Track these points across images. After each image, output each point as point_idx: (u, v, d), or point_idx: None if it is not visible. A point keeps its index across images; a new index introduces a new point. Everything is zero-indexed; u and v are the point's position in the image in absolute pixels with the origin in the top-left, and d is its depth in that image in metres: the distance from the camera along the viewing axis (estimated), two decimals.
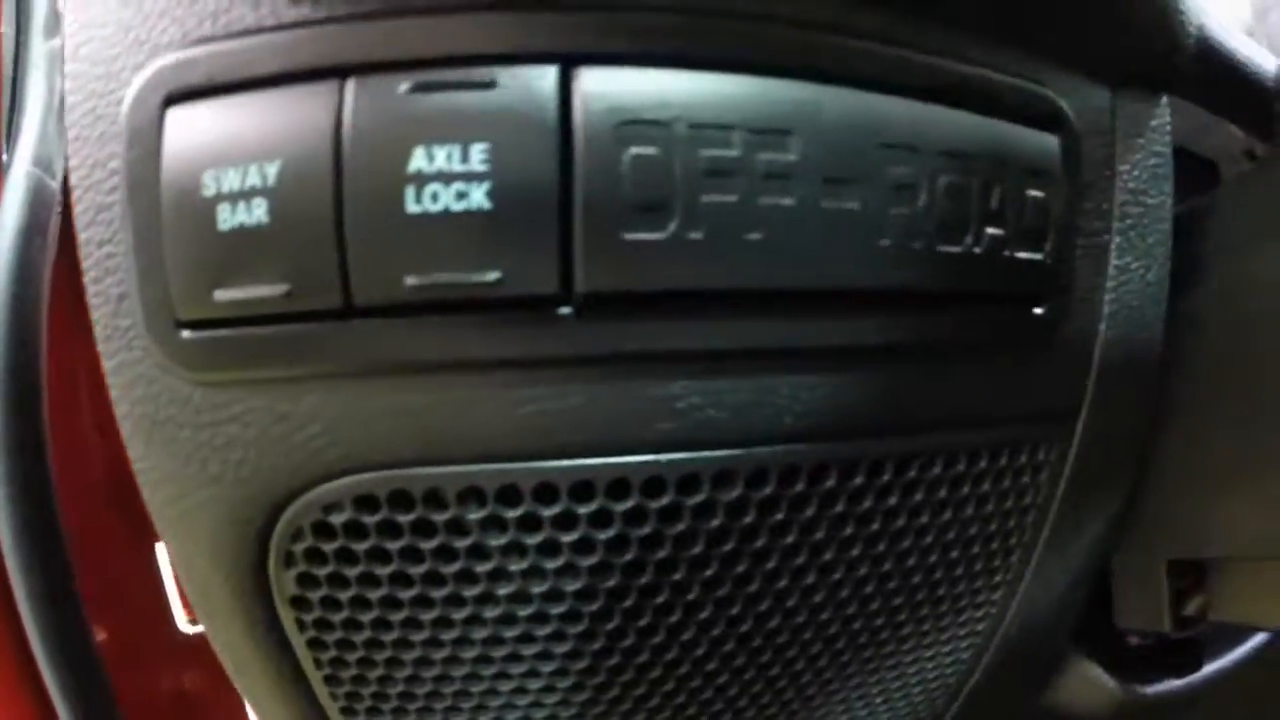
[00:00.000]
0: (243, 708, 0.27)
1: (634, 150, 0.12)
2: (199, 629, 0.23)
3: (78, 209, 0.13)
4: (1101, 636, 0.22)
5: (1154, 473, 0.20)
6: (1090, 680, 0.22)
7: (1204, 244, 0.20)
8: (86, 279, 0.13)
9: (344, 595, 0.14)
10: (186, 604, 0.25)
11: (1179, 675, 0.23)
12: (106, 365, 0.14)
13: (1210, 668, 0.24)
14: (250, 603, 0.14)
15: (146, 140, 0.12)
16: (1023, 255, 0.15)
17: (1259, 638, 0.26)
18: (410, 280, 0.12)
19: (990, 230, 0.14)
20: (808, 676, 0.17)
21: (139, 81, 0.13)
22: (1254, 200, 0.19)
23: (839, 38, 0.13)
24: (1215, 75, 0.20)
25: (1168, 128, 0.19)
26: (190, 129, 0.12)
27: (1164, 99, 0.19)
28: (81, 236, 0.13)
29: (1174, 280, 0.19)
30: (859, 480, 0.15)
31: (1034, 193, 0.15)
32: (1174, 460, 0.20)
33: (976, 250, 0.14)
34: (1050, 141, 0.15)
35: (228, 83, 0.12)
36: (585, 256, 0.12)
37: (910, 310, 0.14)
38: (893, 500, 0.15)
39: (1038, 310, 0.16)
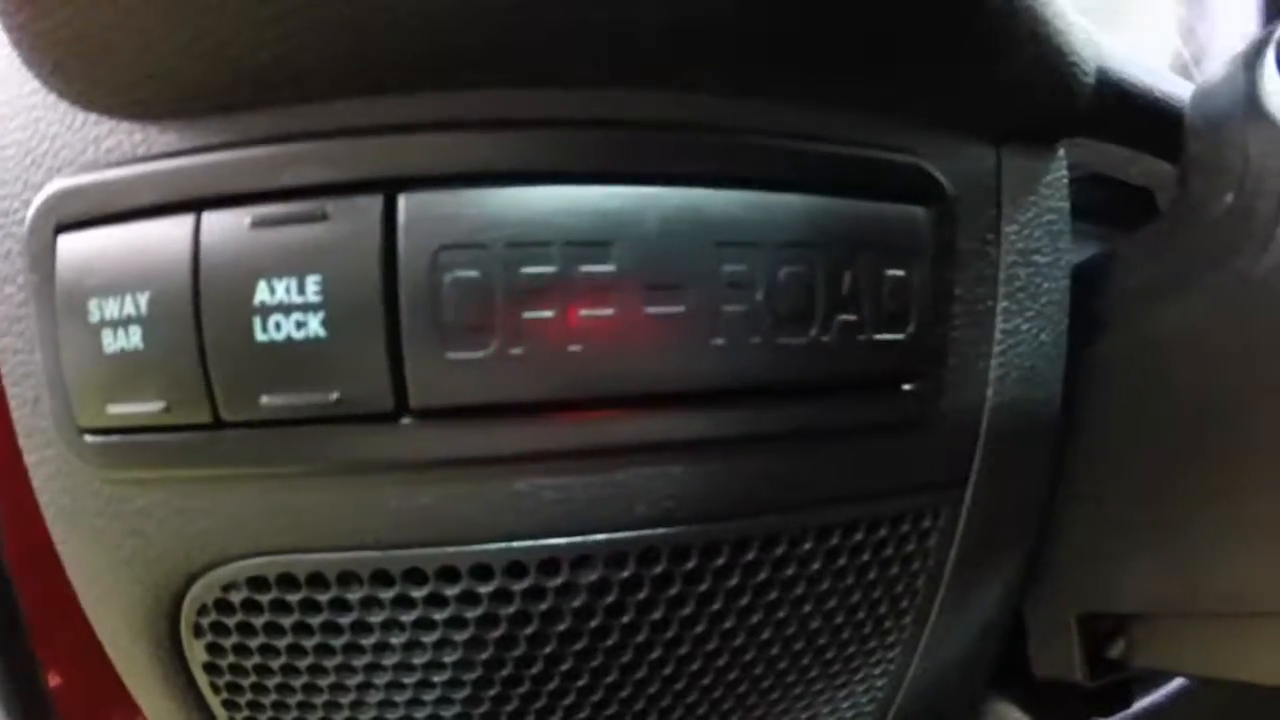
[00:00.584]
0: None
1: (453, 274, 0.12)
2: None
3: None
4: (1020, 680, 0.22)
5: (1062, 528, 0.20)
6: None
7: (1103, 299, 0.19)
8: (5, 381, 0.15)
9: (248, 663, 0.16)
10: None
11: (1106, 714, 0.23)
12: (28, 460, 0.15)
13: (1144, 702, 0.23)
14: (168, 669, 0.16)
15: (43, 265, 0.14)
16: (882, 337, 0.15)
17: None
18: (265, 400, 0.13)
19: (842, 317, 0.14)
20: None
21: (37, 203, 0.14)
22: (1150, 256, 0.19)
23: (665, 135, 0.14)
24: (1120, 113, 0.19)
25: (1064, 180, 0.18)
26: (77, 257, 0.14)
27: (1059, 151, 0.18)
28: (0, 342, 0.15)
29: (1074, 335, 0.19)
30: (722, 560, 0.15)
31: (893, 271, 0.15)
32: (1081, 517, 0.19)
33: (825, 339, 0.14)
34: (916, 214, 0.15)
35: (106, 214, 0.14)
36: (414, 377, 0.13)
37: (758, 403, 0.14)
38: (762, 575, 0.16)
39: (907, 387, 0.16)
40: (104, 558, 0.15)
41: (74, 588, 0.16)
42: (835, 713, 0.19)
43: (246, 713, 0.16)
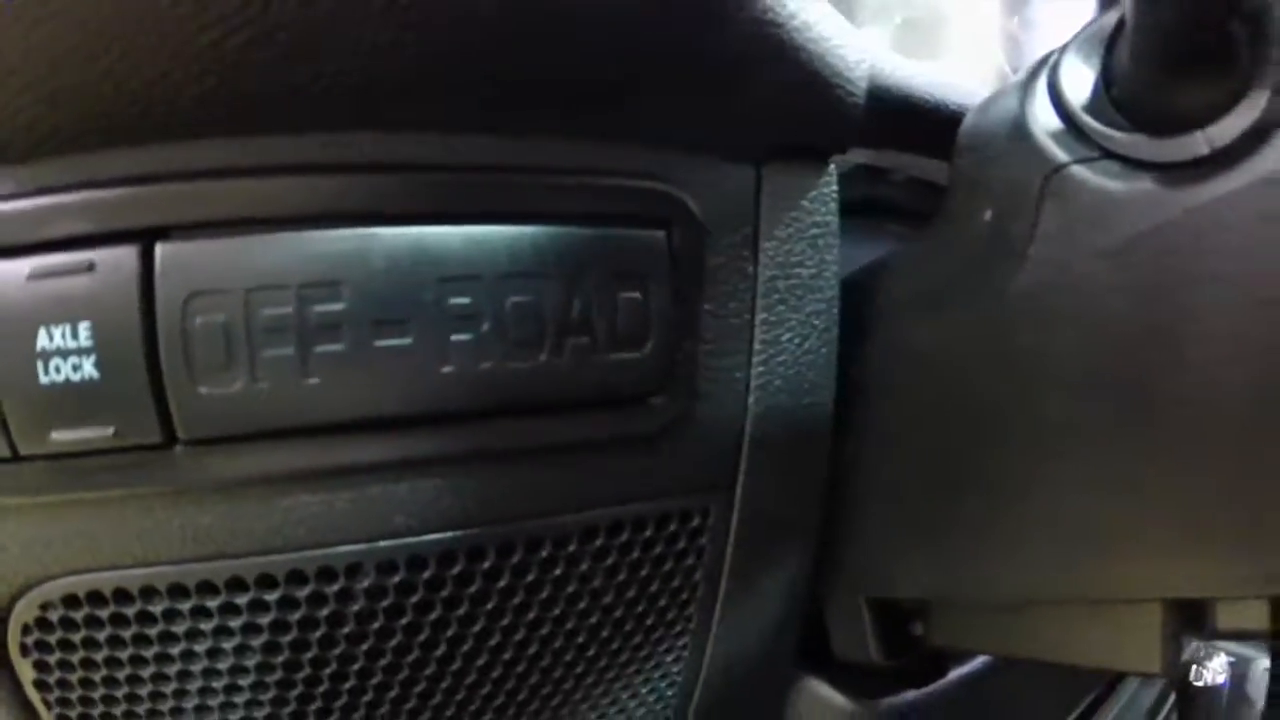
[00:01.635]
0: None
1: (202, 319, 0.14)
2: None
3: None
4: (829, 657, 0.23)
5: (852, 523, 0.21)
6: (821, 698, 0.23)
7: (872, 309, 0.21)
8: None
9: (72, 677, 0.17)
10: None
11: (919, 686, 0.24)
12: None
13: (957, 673, 0.25)
14: (4, 689, 0.18)
15: None
16: (619, 356, 0.17)
17: None
18: (55, 435, 0.15)
19: (574, 340, 0.16)
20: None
21: None
22: (915, 268, 0.21)
23: (386, 176, 0.15)
24: (901, 127, 0.21)
25: (832, 195, 0.20)
26: None
27: (829, 165, 0.20)
28: None
29: (847, 344, 0.20)
30: (489, 563, 0.17)
31: (629, 294, 0.17)
32: (870, 514, 0.21)
33: (558, 362, 0.16)
34: (654, 237, 0.17)
35: None
36: (178, 410, 0.15)
37: (493, 422, 0.16)
38: (531, 575, 0.17)
39: (654, 400, 0.17)
40: None
41: None
42: (636, 698, 0.20)
43: None
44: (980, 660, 0.25)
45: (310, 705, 0.18)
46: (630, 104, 0.16)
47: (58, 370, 0.15)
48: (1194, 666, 0.53)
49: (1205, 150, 0.15)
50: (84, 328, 0.14)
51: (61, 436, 0.15)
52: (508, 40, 0.14)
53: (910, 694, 0.24)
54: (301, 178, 0.15)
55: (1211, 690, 0.51)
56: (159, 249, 0.14)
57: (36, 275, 0.15)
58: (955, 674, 0.25)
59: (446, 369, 0.15)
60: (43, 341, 0.15)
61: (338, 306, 0.15)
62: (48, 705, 0.18)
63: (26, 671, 0.17)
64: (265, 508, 0.16)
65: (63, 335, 0.14)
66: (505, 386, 0.16)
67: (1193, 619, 0.18)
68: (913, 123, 0.21)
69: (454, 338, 0.15)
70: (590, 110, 0.16)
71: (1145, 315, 0.16)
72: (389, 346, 0.15)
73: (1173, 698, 0.54)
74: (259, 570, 0.16)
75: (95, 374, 0.14)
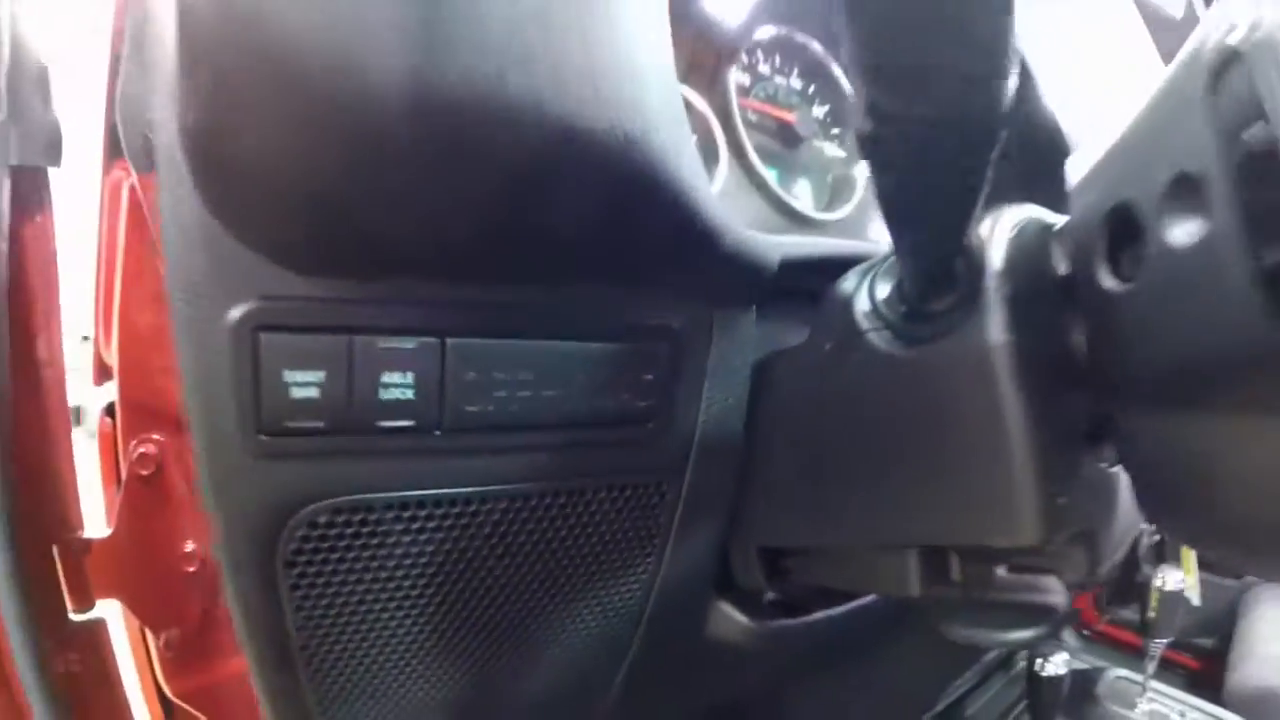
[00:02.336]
0: (120, 688, 0.40)
1: (470, 375, 0.32)
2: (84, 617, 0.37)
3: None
4: (736, 589, 0.42)
5: (751, 496, 0.41)
6: (728, 616, 0.42)
7: (769, 379, 0.39)
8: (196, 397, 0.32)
9: (324, 582, 0.32)
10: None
11: (792, 616, 0.43)
12: (200, 446, 0.31)
13: (825, 613, 0.44)
14: (265, 594, 0.32)
15: (245, 347, 0.30)
16: (637, 402, 0.35)
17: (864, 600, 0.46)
18: (382, 423, 0.31)
19: (618, 391, 0.34)
20: (520, 610, 0.36)
21: (237, 313, 0.30)
22: (793, 362, 0.39)
23: (512, 308, 0.33)
24: (799, 286, 0.39)
25: (752, 323, 0.38)
26: (273, 345, 0.30)
27: (752, 308, 0.38)
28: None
29: (753, 396, 0.39)
30: (549, 499, 0.34)
31: (645, 374, 0.35)
32: (762, 490, 0.40)
33: (606, 399, 0.34)
34: (662, 347, 0.36)
35: (290, 326, 0.30)
36: (450, 416, 0.31)
37: (567, 430, 0.34)
38: (569, 509, 0.35)
39: (649, 425, 0.36)
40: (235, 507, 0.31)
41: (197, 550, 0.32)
42: (618, 597, 0.38)
43: (317, 624, 0.32)
44: (845, 608, 0.44)
45: (463, 591, 0.34)
46: (646, 277, 0.35)
47: (389, 391, 0.31)
48: (1039, 659, 0.76)
49: (929, 333, 0.29)
50: (410, 374, 0.31)
51: (386, 424, 0.31)
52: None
53: (788, 620, 0.42)
54: (496, 311, 0.32)
55: (1055, 679, 0.73)
56: (449, 342, 0.31)
57: (385, 344, 0.31)
58: (823, 614, 0.44)
59: (544, 399, 0.33)
60: (384, 378, 0.31)
61: (519, 376, 0.32)
62: (298, 608, 0.32)
63: (288, 578, 0.32)
64: (471, 462, 0.32)
65: (397, 376, 0.31)
66: (573, 412, 0.34)
67: (938, 560, 0.34)
68: (806, 284, 0.38)
69: (545, 392, 0.33)
70: (621, 279, 0.34)
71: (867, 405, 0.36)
72: (521, 396, 0.32)
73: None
74: (461, 496, 0.33)
75: (411, 395, 0.31)
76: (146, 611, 0.38)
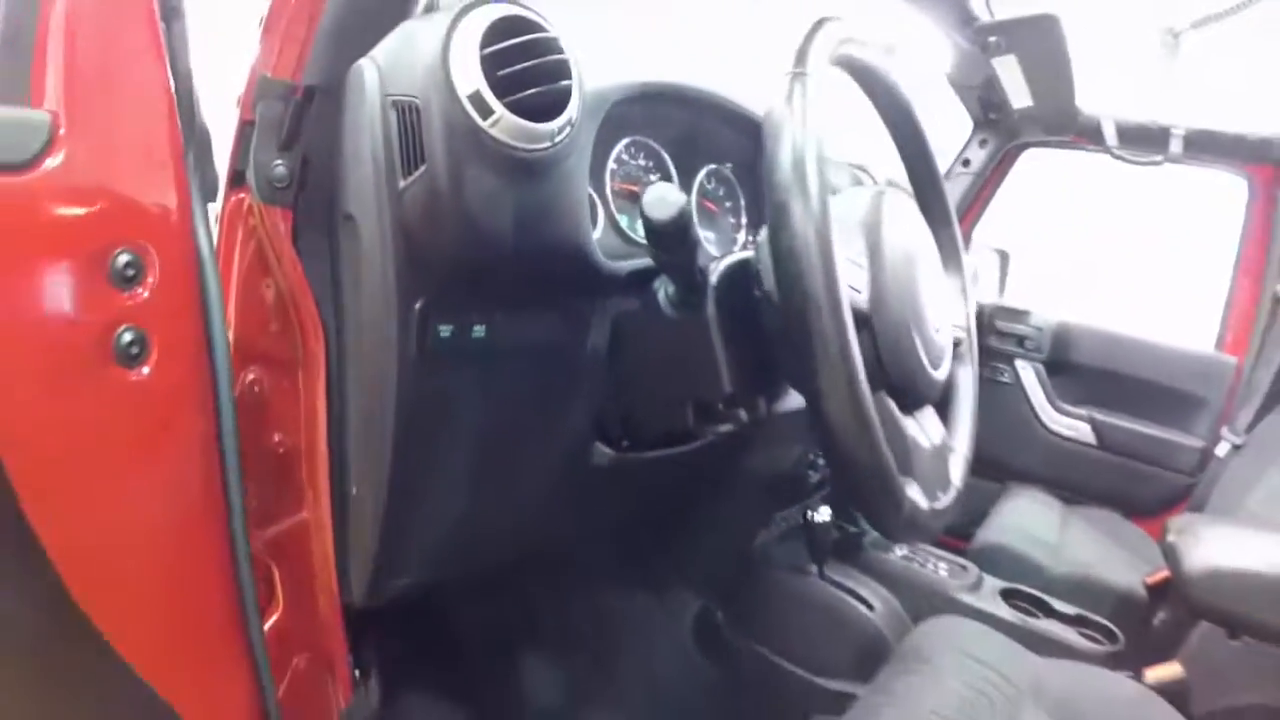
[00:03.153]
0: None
1: None
2: None
3: None
4: (606, 437, 0.70)
5: (614, 385, 0.68)
6: (602, 451, 0.69)
7: None
8: None
9: None
10: None
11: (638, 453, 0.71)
12: None
13: (655, 452, 0.72)
14: None
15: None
16: (569, 338, 0.61)
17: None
18: None
19: (563, 337, 0.61)
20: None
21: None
22: None
23: None
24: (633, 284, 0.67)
25: (614, 303, 0.67)
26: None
27: (614, 296, 0.66)
28: None
29: (611, 337, 0.67)
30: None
31: (578, 334, 0.62)
32: (617, 382, 0.68)
33: (559, 339, 0.60)
34: (582, 322, 0.63)
35: None
36: None
37: None
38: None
39: (587, 348, 0.62)
40: None
41: None
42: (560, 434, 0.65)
43: None
44: (670, 451, 0.72)
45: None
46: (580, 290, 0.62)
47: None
48: (810, 511, 1.10)
49: (687, 310, 0.64)
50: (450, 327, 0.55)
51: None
52: None
53: (635, 454, 0.70)
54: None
55: (822, 525, 1.06)
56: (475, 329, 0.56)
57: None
58: (655, 452, 0.72)
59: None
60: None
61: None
62: None
63: None
64: None
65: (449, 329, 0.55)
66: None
67: (709, 410, 0.66)
68: (639, 280, 0.68)
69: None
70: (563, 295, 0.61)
71: None
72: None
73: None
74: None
75: (450, 334, 0.55)
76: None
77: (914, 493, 0.57)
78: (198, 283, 0.40)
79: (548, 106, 0.50)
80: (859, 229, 0.62)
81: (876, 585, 1.09)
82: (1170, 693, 0.88)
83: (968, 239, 2.04)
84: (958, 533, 1.45)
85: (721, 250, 0.83)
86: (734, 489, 0.99)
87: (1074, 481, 1.81)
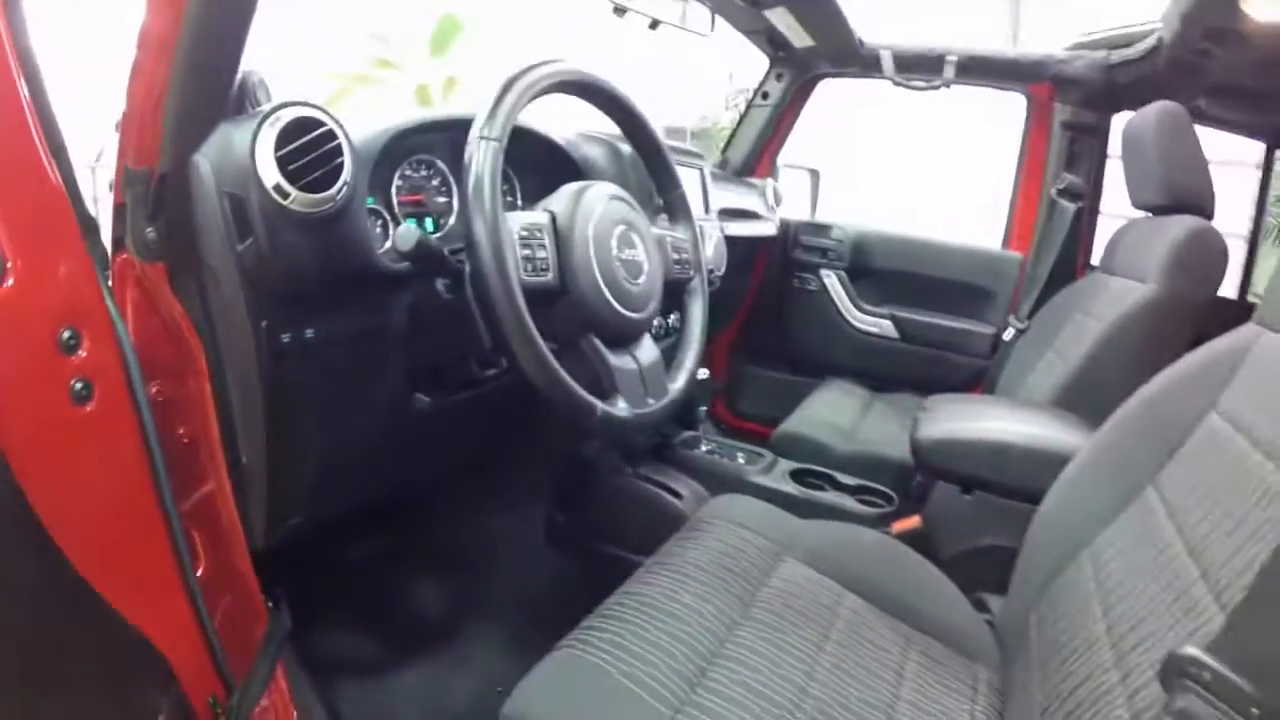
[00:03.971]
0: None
1: None
2: None
3: None
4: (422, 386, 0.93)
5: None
6: (420, 399, 0.94)
7: None
8: None
9: None
10: None
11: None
12: None
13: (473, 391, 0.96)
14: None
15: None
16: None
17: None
18: None
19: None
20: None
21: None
22: None
23: None
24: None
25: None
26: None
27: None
28: None
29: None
30: None
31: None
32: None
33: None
34: (393, 293, 0.83)
35: None
36: None
37: None
38: None
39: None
40: None
41: None
42: None
43: None
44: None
45: None
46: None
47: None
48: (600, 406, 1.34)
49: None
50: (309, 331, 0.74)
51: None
52: None
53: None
54: None
55: (616, 419, 1.30)
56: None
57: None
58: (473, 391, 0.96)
59: None
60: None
61: None
62: None
63: None
64: None
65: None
66: None
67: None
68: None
69: None
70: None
71: None
72: None
73: None
74: None
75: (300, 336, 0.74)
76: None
77: (614, 405, 0.84)
78: (115, 342, 0.58)
79: (329, 178, 0.75)
80: (547, 231, 0.84)
81: (686, 478, 1.31)
82: (912, 540, 1.05)
83: (771, 165, 2.25)
84: (776, 422, 1.70)
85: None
86: (543, 416, 1.22)
87: (881, 372, 2.05)
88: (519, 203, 1.15)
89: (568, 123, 1.26)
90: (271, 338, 0.79)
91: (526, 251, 0.80)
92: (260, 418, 0.82)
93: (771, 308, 2.25)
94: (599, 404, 0.82)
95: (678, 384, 0.97)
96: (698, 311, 1.06)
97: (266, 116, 0.74)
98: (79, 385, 0.55)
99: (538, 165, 1.16)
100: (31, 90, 0.50)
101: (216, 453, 0.78)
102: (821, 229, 2.19)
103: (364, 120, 0.90)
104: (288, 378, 0.81)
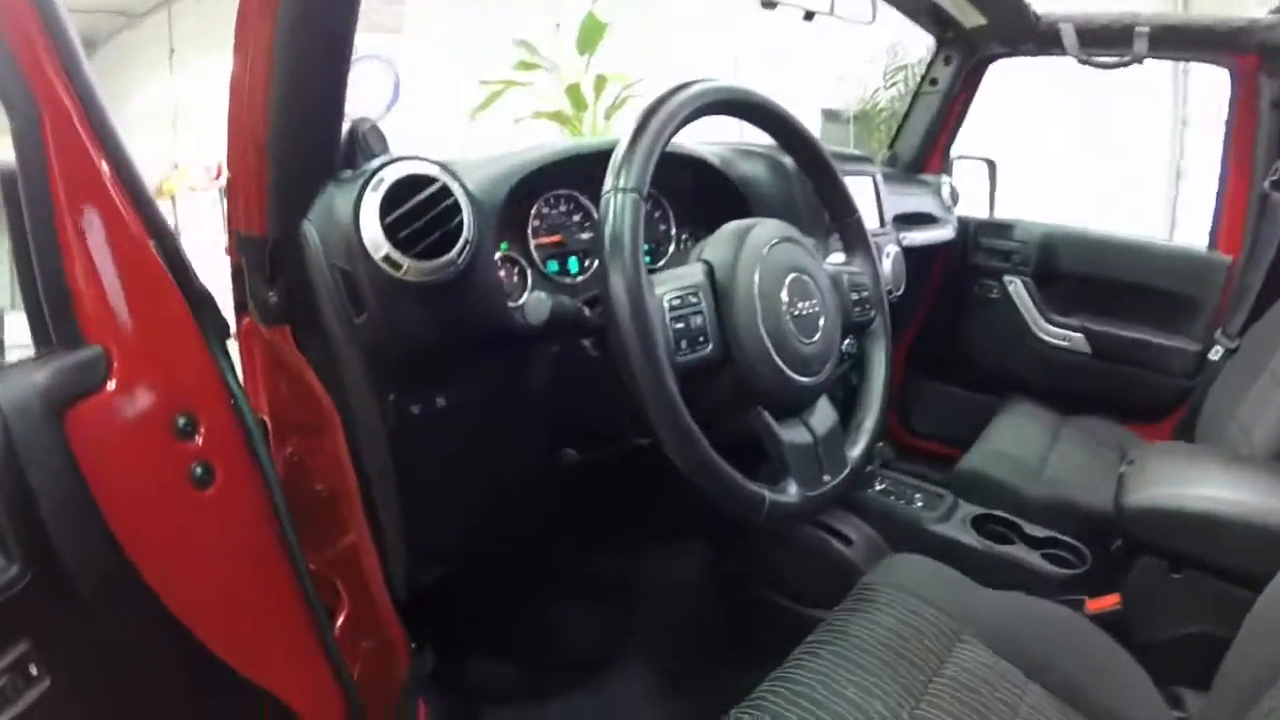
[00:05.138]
0: None
1: None
2: None
3: None
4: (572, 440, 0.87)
5: None
6: (569, 454, 0.87)
7: None
8: None
9: None
10: None
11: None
12: None
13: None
14: None
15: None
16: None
17: None
18: None
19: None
20: None
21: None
22: None
23: None
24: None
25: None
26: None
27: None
28: None
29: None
30: None
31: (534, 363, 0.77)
32: None
33: None
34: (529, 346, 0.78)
35: None
36: None
37: None
38: None
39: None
40: None
41: None
42: None
43: None
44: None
45: None
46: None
47: None
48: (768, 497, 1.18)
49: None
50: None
51: None
52: None
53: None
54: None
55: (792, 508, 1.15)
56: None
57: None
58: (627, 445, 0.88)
59: None
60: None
61: None
62: None
63: None
64: None
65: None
66: None
67: None
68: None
69: None
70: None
71: None
72: None
73: None
74: None
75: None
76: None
77: (784, 491, 0.71)
78: (237, 418, 0.57)
79: (447, 239, 0.66)
80: (703, 291, 0.70)
81: (857, 521, 1.18)
82: (1109, 623, 0.90)
83: (944, 156, 2.02)
84: (956, 443, 1.52)
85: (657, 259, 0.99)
86: None
87: (1070, 391, 1.77)
88: (673, 230, 1.02)
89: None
90: (400, 410, 0.73)
91: (680, 324, 0.67)
92: (392, 484, 0.77)
93: (949, 317, 2.01)
94: (766, 494, 0.70)
95: (857, 451, 0.81)
96: (880, 361, 0.88)
97: (370, 178, 0.65)
98: (199, 470, 0.54)
99: (693, 188, 1.02)
100: (120, 174, 0.48)
101: (355, 505, 0.78)
102: (1003, 229, 1.93)
103: (486, 162, 0.82)
104: (420, 447, 0.75)
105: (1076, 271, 1.87)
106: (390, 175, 0.65)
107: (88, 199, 0.48)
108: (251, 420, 0.59)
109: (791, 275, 0.75)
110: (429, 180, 0.67)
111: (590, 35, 3.76)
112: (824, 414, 0.78)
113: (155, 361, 0.52)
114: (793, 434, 0.74)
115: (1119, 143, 4.23)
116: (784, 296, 0.73)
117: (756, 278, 0.72)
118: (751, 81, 0.82)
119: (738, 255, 0.72)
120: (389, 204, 0.64)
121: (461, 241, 0.67)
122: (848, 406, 0.86)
